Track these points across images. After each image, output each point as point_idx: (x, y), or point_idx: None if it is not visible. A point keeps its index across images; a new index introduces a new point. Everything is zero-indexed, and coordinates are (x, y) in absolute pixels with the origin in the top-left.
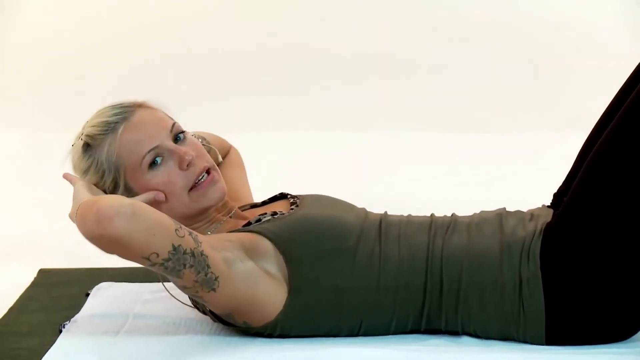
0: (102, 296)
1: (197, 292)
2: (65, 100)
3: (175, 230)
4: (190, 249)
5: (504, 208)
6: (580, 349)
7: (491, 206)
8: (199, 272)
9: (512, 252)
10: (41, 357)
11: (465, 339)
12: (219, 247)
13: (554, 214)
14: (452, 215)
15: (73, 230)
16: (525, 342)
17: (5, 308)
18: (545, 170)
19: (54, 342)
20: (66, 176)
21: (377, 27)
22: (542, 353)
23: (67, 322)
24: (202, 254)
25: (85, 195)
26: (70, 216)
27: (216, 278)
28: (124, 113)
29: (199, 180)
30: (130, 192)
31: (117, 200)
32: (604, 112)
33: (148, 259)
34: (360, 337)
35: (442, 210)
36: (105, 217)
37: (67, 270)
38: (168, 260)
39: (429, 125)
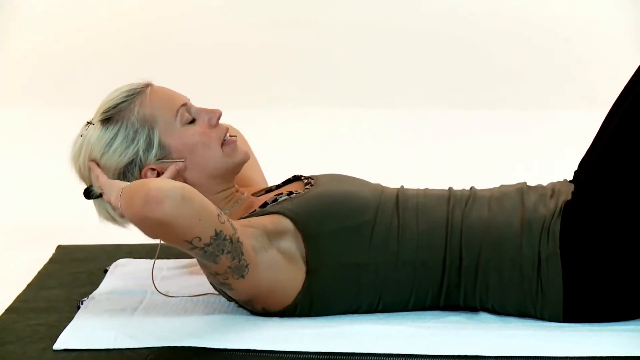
0: (120, 273)
1: (227, 278)
2: (82, 79)
3: (218, 215)
4: (229, 236)
5: (525, 182)
6: (598, 326)
7: (510, 182)
8: (233, 259)
9: (532, 229)
10: (59, 333)
11: (483, 315)
12: (246, 234)
13: (573, 192)
14: (470, 188)
15: (91, 207)
16: (542, 319)
17: (23, 284)
18: (565, 147)
19: (72, 318)
20: (91, 165)
21: (394, 1)
22: (560, 330)
23: (85, 299)
24: (238, 240)
25: (122, 182)
26: (114, 203)
27: (247, 265)
28: (144, 84)
29: (226, 138)
30: (164, 149)
31: (167, 183)
32: (624, 89)
33: (190, 242)
34: (379, 313)
35: (461, 186)
36: (155, 200)
37: (86, 246)
38: (209, 245)
39: (447, 101)
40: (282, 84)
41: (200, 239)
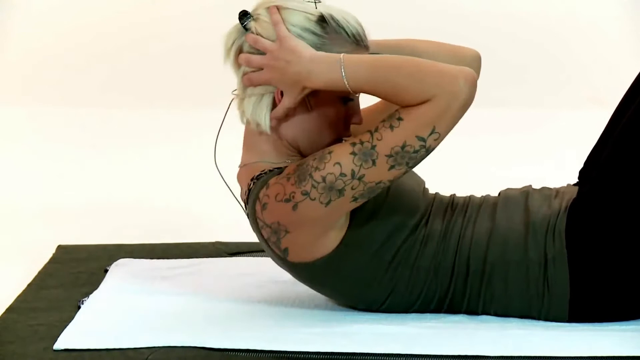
0: (120, 272)
1: (318, 196)
2: (82, 79)
3: None
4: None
5: (530, 185)
6: (601, 326)
7: (513, 185)
8: (395, 178)
9: (536, 231)
10: (60, 333)
11: (484, 317)
12: None
13: (579, 191)
14: (485, 196)
15: (92, 207)
16: (546, 320)
17: (24, 284)
18: (566, 147)
19: (72, 318)
20: (273, 10)
21: (395, 1)
22: (562, 330)
23: (86, 298)
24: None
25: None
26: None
27: (361, 194)
28: (368, 42)
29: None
30: (315, 95)
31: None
32: (629, 89)
33: (433, 132)
34: (380, 313)
35: (459, 185)
36: (472, 80)
37: (86, 246)
38: (428, 149)
39: None
40: None
41: (438, 136)
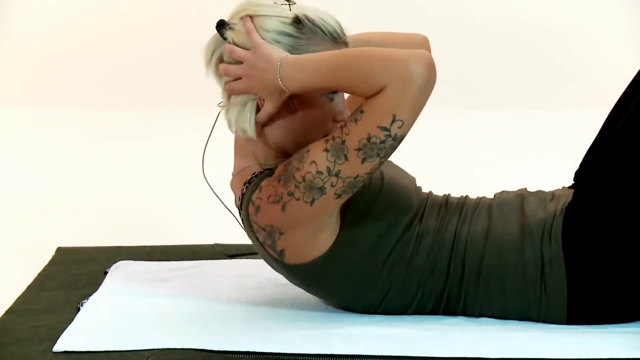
0: (120, 274)
1: (300, 195)
2: (82, 79)
3: None
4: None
5: (525, 188)
6: (601, 327)
7: (511, 186)
8: (371, 171)
9: (533, 233)
10: (60, 335)
11: (483, 318)
12: None
13: (574, 194)
14: (480, 198)
15: (92, 208)
16: (545, 322)
17: (23, 286)
18: (570, 147)
19: (72, 319)
20: (246, 20)
21: (396, 3)
22: (562, 332)
23: (86, 300)
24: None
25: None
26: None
27: (342, 192)
28: (346, 39)
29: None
30: (298, 96)
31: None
32: (625, 91)
33: (394, 120)
34: (379, 315)
35: (460, 186)
36: (426, 61)
37: (86, 248)
38: (396, 138)
39: (447, 102)
40: None
41: (402, 125)
